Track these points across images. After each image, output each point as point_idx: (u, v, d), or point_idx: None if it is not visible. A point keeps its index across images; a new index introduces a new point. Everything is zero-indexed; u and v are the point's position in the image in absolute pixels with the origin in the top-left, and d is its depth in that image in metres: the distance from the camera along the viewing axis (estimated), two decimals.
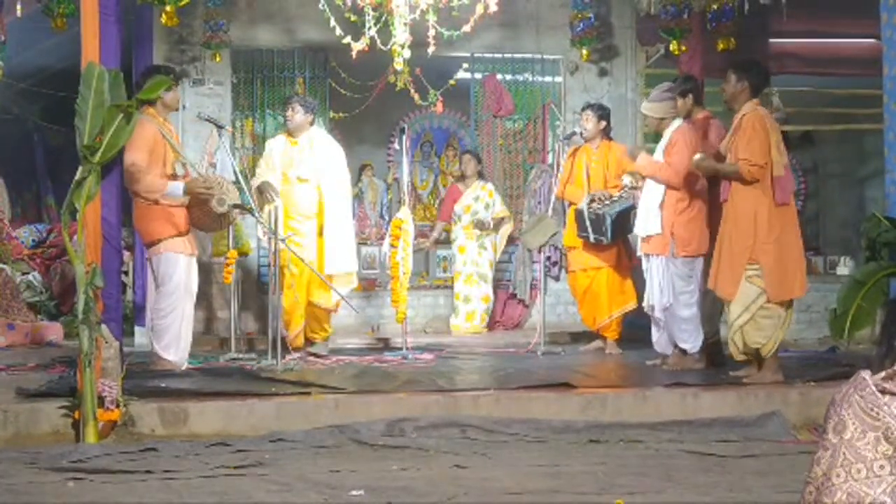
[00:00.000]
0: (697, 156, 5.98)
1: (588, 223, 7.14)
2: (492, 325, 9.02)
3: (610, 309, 7.36)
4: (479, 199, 8.88)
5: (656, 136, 6.88)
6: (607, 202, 7.09)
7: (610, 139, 7.51)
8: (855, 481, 1.91)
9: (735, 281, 5.67)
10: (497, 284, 9.19)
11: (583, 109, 7.67)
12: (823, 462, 1.96)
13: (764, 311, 5.66)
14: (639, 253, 6.67)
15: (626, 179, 6.93)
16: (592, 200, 7.17)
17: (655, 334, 6.55)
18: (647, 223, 6.44)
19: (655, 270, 6.42)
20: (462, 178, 9.10)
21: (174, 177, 6.18)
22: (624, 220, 7.03)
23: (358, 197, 10.34)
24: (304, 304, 6.98)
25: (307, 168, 6.99)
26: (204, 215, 6.22)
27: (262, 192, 6.87)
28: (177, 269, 6.19)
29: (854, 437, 1.95)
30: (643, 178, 6.57)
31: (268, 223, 6.62)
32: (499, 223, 8.90)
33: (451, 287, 9.01)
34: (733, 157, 5.70)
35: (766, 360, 5.77)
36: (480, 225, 8.78)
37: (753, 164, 5.57)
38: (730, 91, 5.80)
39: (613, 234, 7.05)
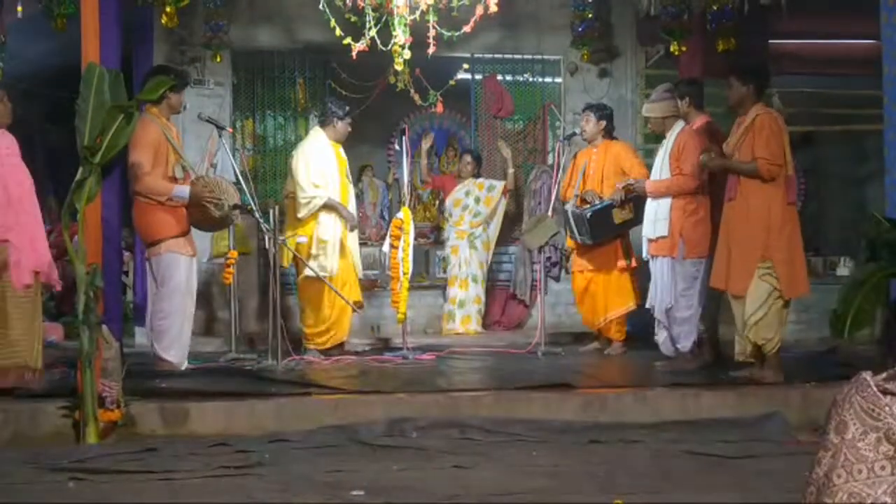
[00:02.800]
0: (704, 156, 6.01)
1: (573, 224, 7.18)
2: (491, 325, 9.01)
3: (606, 310, 7.36)
4: (470, 194, 8.84)
5: (657, 138, 6.88)
6: (597, 202, 7.10)
7: (613, 138, 7.52)
8: (856, 482, 1.91)
9: (748, 277, 5.72)
10: (497, 285, 9.18)
11: (583, 110, 7.68)
12: (825, 463, 1.96)
13: (776, 307, 5.71)
14: (645, 255, 6.67)
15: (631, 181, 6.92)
16: (583, 200, 7.19)
17: (660, 336, 6.56)
18: (655, 225, 6.46)
19: (660, 272, 6.44)
20: (459, 176, 9.09)
21: (174, 179, 6.18)
22: (602, 219, 7.01)
23: (358, 197, 10.29)
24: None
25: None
26: (203, 216, 6.23)
27: (342, 214, 7.15)
28: (177, 269, 6.18)
29: (855, 438, 1.94)
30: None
31: (268, 223, 6.64)
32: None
33: (445, 290, 8.96)
34: (744, 155, 5.75)
35: (767, 359, 5.79)
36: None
37: (773, 164, 5.64)
38: (736, 96, 5.86)
39: (593, 233, 7.06)
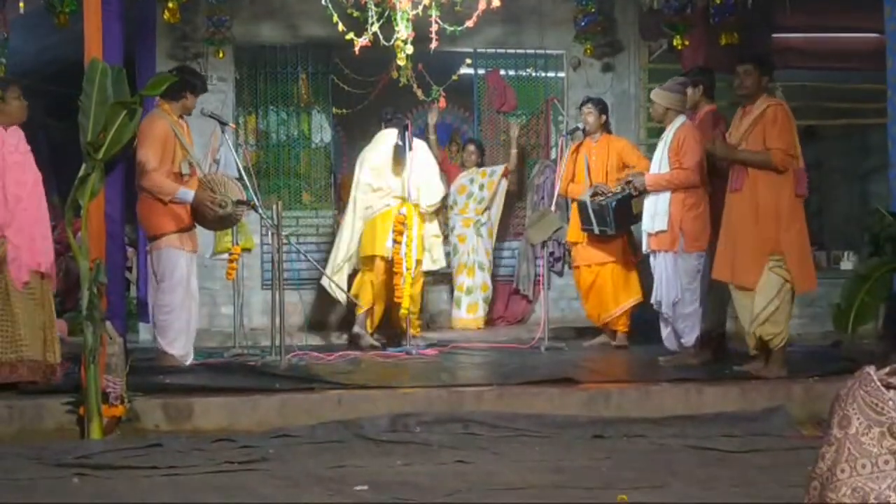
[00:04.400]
0: (709, 144, 5.98)
1: (592, 215, 7.16)
2: (495, 319, 8.99)
3: (616, 303, 7.39)
4: (474, 182, 8.80)
5: (660, 133, 6.87)
6: (609, 194, 7.10)
7: (609, 132, 7.57)
8: (860, 476, 1.90)
9: (758, 270, 5.69)
10: (500, 279, 9.17)
11: (583, 104, 7.68)
12: (828, 457, 1.95)
13: (785, 301, 5.70)
14: (645, 249, 6.67)
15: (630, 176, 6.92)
16: (595, 193, 7.18)
17: (664, 331, 6.56)
18: (654, 219, 6.45)
19: (663, 266, 6.42)
20: (463, 166, 9.04)
21: (180, 175, 6.20)
22: (625, 209, 7.02)
23: None
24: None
25: None
26: (207, 214, 6.24)
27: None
28: (177, 265, 6.20)
29: (859, 433, 1.93)
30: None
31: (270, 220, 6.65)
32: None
33: (451, 280, 8.94)
34: (751, 146, 5.71)
35: (773, 354, 5.78)
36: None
37: (789, 154, 5.62)
38: (752, 85, 5.78)
39: (617, 224, 7.06)
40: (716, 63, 7.55)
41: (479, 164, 8.92)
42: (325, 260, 8.05)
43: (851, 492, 1.91)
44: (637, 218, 7.08)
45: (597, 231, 7.19)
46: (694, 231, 6.30)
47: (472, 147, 8.99)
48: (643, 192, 6.65)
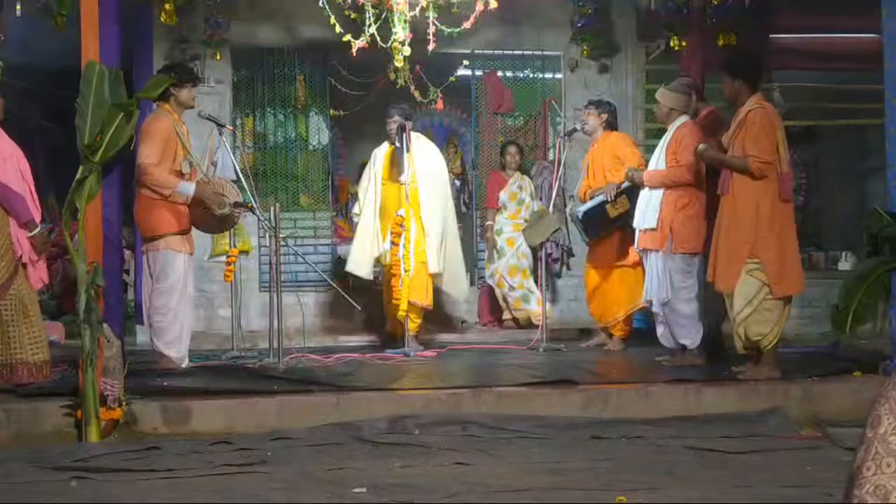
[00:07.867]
0: (702, 146, 5.98)
1: (576, 224, 7.26)
2: (493, 321, 8.96)
3: (625, 306, 7.34)
4: (523, 189, 8.76)
5: (657, 134, 6.88)
6: (589, 201, 7.18)
7: (612, 131, 7.52)
8: (883, 475, 1.90)
9: (735, 274, 5.68)
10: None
11: (585, 106, 7.70)
12: (858, 456, 1.96)
13: (766, 303, 5.67)
14: (637, 247, 6.66)
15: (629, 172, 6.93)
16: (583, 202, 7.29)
17: (659, 329, 6.56)
18: (644, 215, 6.45)
19: (653, 265, 6.43)
20: (503, 168, 8.95)
21: (181, 174, 6.21)
22: (597, 215, 7.05)
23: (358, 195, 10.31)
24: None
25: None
26: (206, 216, 6.24)
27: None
28: (175, 266, 6.18)
29: (888, 432, 1.93)
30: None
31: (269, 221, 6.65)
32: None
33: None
34: (736, 151, 5.71)
35: (764, 355, 5.77)
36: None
37: (763, 161, 5.59)
38: (728, 92, 5.83)
39: (587, 231, 7.12)
40: (713, 64, 7.53)
41: (521, 167, 8.81)
42: (325, 262, 8.05)
43: (874, 489, 1.90)
44: (616, 221, 7.06)
45: (581, 238, 7.28)
46: (684, 232, 6.27)
47: (513, 149, 8.85)
48: (638, 188, 6.66)
